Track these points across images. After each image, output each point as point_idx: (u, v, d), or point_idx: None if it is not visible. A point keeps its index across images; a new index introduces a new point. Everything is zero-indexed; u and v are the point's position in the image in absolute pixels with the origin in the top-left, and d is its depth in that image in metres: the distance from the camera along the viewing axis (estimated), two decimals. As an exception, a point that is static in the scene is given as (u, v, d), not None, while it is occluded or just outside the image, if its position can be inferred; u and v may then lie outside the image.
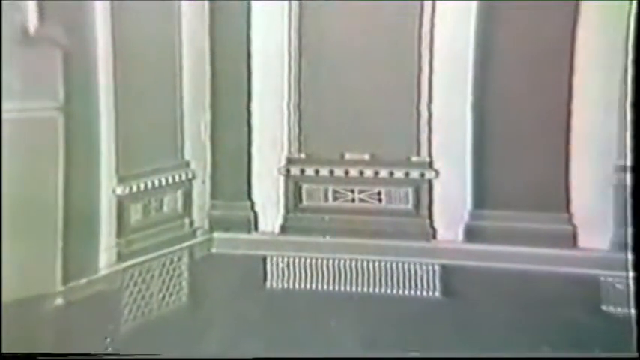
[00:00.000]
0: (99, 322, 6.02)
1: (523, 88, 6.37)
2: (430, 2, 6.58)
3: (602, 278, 6.06)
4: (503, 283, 6.19)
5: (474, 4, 6.44)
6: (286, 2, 6.78)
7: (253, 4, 6.80)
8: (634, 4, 5.47)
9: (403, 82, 6.62)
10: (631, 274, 5.47)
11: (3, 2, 5.50)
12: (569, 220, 6.26)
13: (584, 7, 6.16)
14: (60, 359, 5.08)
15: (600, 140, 6.17)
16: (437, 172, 6.56)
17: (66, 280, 5.80)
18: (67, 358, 5.10)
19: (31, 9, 5.54)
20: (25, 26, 5.54)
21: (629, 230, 5.45)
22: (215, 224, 7.00)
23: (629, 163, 5.60)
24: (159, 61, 6.72)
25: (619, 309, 5.96)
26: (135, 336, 6.21)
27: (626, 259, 5.91)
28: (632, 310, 5.48)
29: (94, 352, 5.55)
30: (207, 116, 7.02)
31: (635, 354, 5.05)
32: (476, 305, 6.23)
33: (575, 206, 6.27)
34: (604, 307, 6.02)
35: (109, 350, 6.09)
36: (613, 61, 6.13)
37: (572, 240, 6.23)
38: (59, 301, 5.73)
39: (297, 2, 6.79)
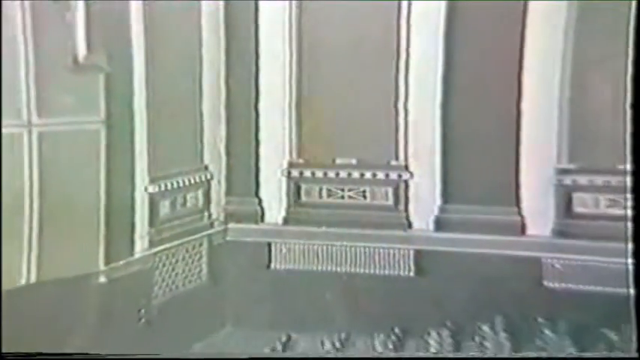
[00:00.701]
0: (134, 296, 6.49)
1: (481, 99, 6.85)
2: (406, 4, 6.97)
3: (543, 260, 6.59)
4: (465, 264, 6.69)
5: (442, 20, 6.83)
6: (287, 41, 7.24)
7: (261, 43, 7.31)
8: (634, 4, 5.15)
9: (384, 97, 7.07)
10: (631, 264, 5.32)
11: (57, 32, 5.89)
12: (519, 213, 6.76)
13: (531, 12, 6.54)
14: (60, 359, 4.63)
15: (542, 146, 6.65)
16: (412, 174, 7.04)
17: (107, 261, 6.27)
18: (67, 358, 4.64)
19: (81, 41, 5.99)
20: (75, 55, 5.98)
21: (630, 224, 5.38)
22: (229, 217, 7.47)
23: (629, 164, 5.47)
24: (183, 85, 7.18)
25: (557, 284, 6.54)
26: (164, 308, 6.65)
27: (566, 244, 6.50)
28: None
29: (94, 352, 5.32)
30: (223, 129, 7.48)
31: (635, 354, 4.82)
32: (443, 282, 6.72)
33: (523, 201, 6.77)
34: (545, 283, 6.56)
35: (143, 321, 6.52)
36: (551, 70, 6.62)
37: (520, 229, 6.74)
38: (102, 278, 6.19)
39: (297, 39, 7.25)
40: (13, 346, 5.43)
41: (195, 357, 6.40)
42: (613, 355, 5.36)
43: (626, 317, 5.86)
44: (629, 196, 6.25)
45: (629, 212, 5.30)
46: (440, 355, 6.04)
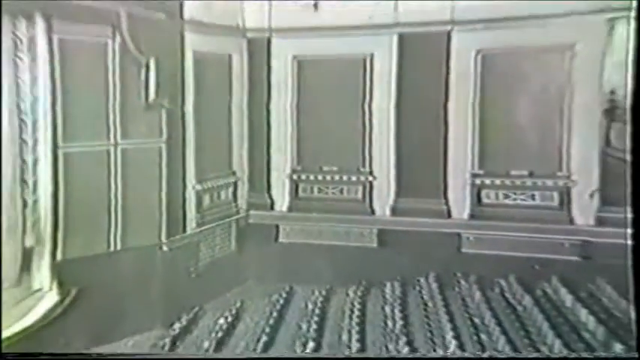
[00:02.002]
0: (186, 260, 7.36)
1: (420, 129, 7.75)
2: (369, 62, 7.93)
3: (463, 234, 7.58)
4: (411, 238, 7.63)
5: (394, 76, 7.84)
6: (290, 88, 8.16)
7: (273, 89, 8.19)
8: (634, 4, 4.63)
9: (355, 127, 8.02)
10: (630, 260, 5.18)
11: (135, 81, 6.75)
12: (446, 203, 7.74)
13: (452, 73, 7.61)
14: (60, 359, 3.87)
15: (462, 159, 7.67)
16: (375, 177, 8.02)
17: (169, 235, 7.19)
18: (67, 358, 3.88)
19: (151, 87, 6.94)
20: (147, 96, 6.94)
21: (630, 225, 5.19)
22: (250, 206, 8.31)
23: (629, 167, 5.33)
24: (218, 117, 7.99)
25: (470, 251, 7.53)
26: (206, 268, 7.53)
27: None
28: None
29: (94, 353, 5.07)
30: (245, 147, 8.31)
31: (635, 354, 4.31)
32: (396, 251, 7.64)
33: (449, 195, 7.74)
34: (463, 250, 7.56)
35: (193, 275, 7.29)
36: (464, 112, 7.61)
37: (447, 214, 7.73)
38: (165, 247, 7.13)
39: (297, 87, 8.12)
40: (107, 286, 6.15)
41: (195, 357, 6.05)
42: (613, 355, 4.80)
43: (512, 270, 7.10)
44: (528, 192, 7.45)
45: (630, 215, 4.97)
46: (439, 355, 5.67)
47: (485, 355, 5.25)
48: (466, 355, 5.47)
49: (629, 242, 4.92)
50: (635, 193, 4.20)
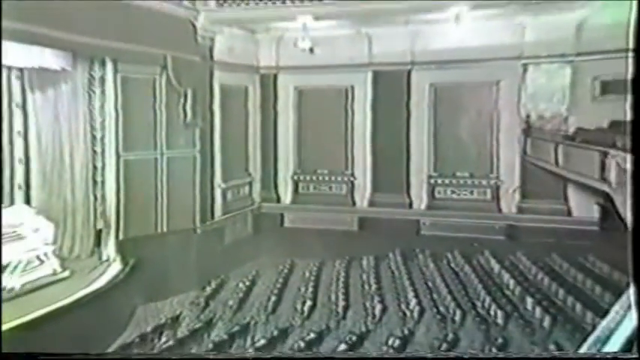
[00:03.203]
0: (215, 240, 8.14)
1: (388, 140, 8.57)
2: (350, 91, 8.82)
3: (420, 220, 8.55)
4: (383, 224, 8.53)
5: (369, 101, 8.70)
6: (292, 110, 9.04)
7: (279, 111, 9.08)
8: (634, 3, 5.53)
9: (341, 139, 8.95)
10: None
11: (175, 105, 7.37)
12: (409, 197, 8.69)
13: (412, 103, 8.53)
14: (61, 359, 5.17)
15: (420, 164, 8.61)
16: (355, 178, 8.99)
17: (202, 222, 8.01)
18: (67, 358, 4.63)
19: (188, 110, 7.70)
20: (184, 118, 7.71)
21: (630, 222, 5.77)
22: (262, 200, 9.26)
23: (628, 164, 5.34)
24: (237, 132, 8.88)
25: (426, 232, 8.48)
26: (229, 246, 8.32)
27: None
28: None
29: (94, 353, 4.36)
30: (258, 154, 9.27)
31: (635, 354, 5.14)
32: (372, 234, 8.54)
33: (411, 191, 8.71)
34: (421, 232, 8.52)
35: (219, 252, 7.86)
36: (422, 129, 8.56)
37: (409, 205, 8.68)
38: (199, 230, 7.93)
39: (297, 109, 8.99)
40: (156, 258, 6.64)
41: (195, 357, 5.03)
42: (613, 355, 4.85)
43: (457, 246, 7.81)
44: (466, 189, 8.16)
45: (629, 215, 4.90)
46: (439, 356, 4.75)
47: (485, 356, 4.81)
48: (466, 355, 4.85)
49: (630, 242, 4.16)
50: (636, 193, 3.94)
